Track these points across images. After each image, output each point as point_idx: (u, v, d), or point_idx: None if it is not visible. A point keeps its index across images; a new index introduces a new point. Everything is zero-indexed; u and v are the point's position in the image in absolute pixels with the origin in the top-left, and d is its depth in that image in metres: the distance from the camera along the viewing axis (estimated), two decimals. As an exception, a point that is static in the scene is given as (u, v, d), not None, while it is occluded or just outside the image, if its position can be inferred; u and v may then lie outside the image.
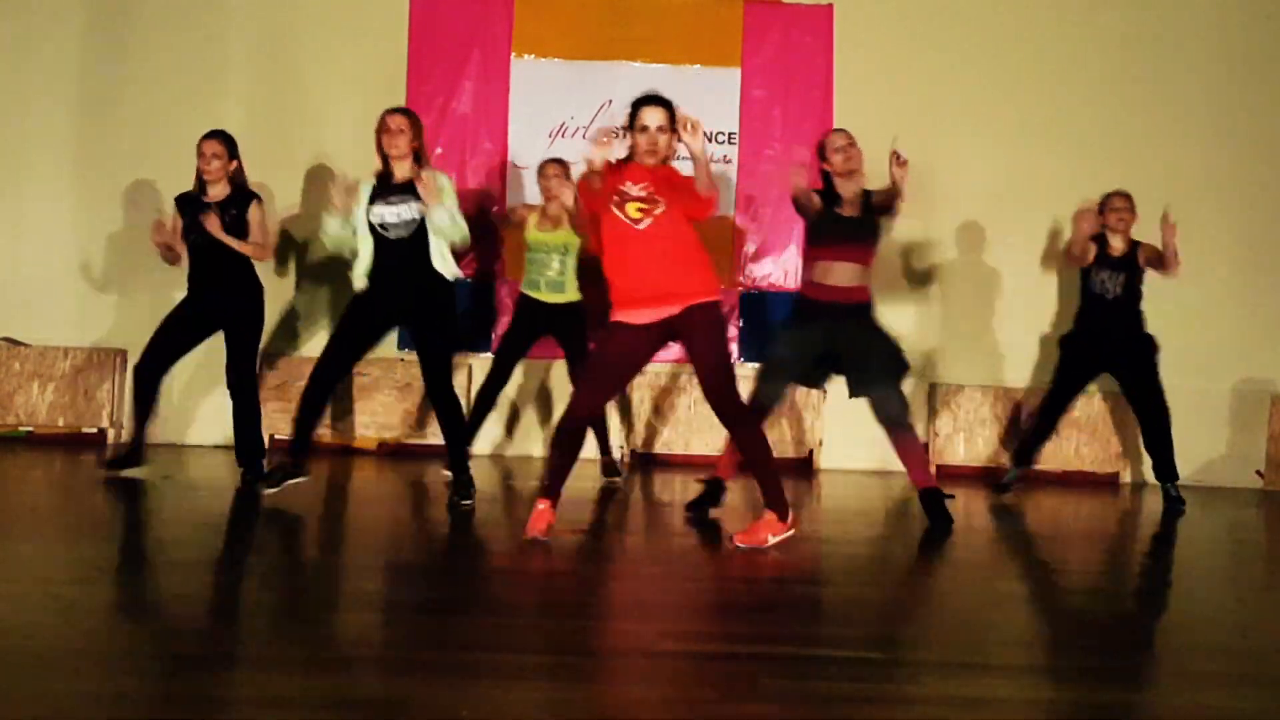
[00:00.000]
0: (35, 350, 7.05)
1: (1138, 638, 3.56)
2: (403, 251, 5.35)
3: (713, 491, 5.48)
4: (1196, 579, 4.67)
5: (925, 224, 7.50)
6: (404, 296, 5.38)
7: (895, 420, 5.42)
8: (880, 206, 5.41)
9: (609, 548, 4.72)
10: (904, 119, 7.54)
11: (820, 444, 7.48)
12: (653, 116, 4.59)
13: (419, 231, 5.34)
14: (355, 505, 5.65)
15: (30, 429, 6.99)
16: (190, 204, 5.90)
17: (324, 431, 7.22)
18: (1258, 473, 7.55)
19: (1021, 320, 7.56)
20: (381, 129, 5.41)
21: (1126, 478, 7.46)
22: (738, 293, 7.49)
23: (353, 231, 5.41)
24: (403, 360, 7.10)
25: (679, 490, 6.46)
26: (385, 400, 7.18)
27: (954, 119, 7.55)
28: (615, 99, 7.46)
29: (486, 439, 7.10)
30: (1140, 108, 7.63)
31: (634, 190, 4.57)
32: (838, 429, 7.52)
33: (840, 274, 5.38)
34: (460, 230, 5.39)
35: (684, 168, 4.65)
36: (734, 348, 7.25)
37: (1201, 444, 7.54)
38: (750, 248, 7.56)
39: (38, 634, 3.13)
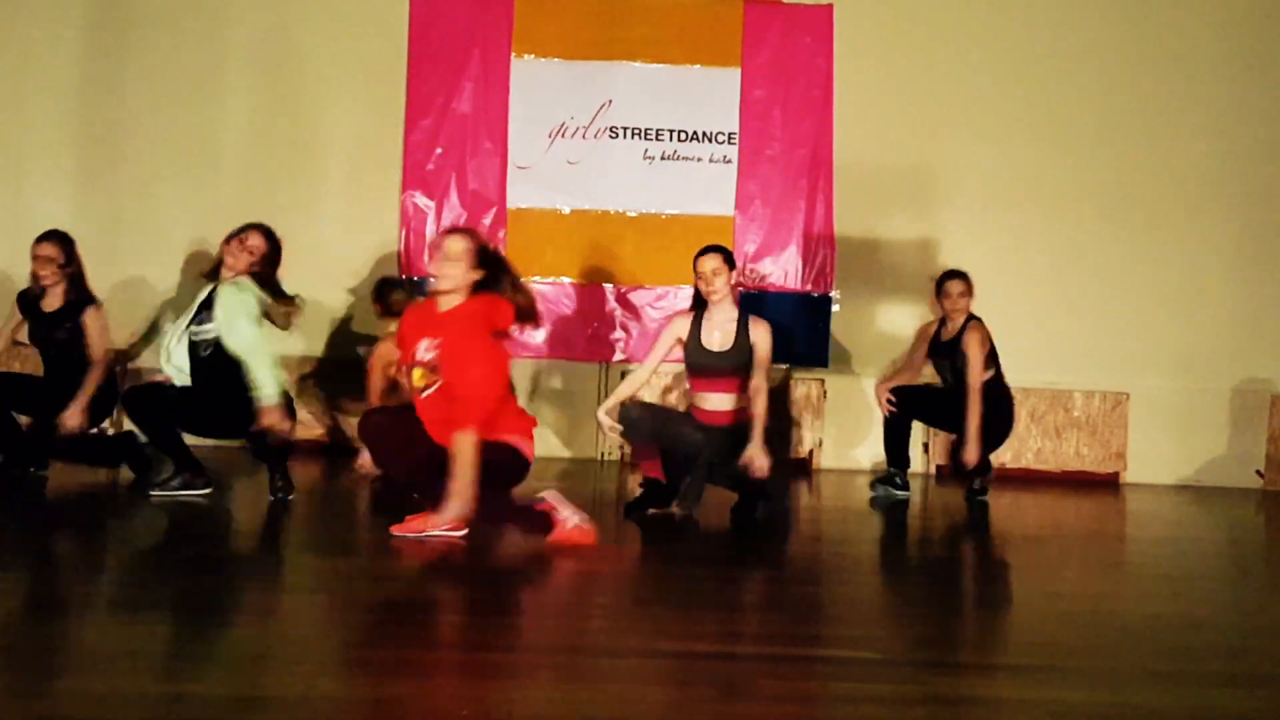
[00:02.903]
0: (35, 351, 7.01)
1: (1137, 638, 3.55)
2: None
3: (654, 492, 5.38)
4: (1196, 579, 4.67)
5: (924, 224, 7.52)
6: None
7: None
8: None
9: (608, 548, 4.71)
10: (904, 119, 7.57)
11: (820, 444, 7.48)
12: None
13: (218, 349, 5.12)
14: (355, 507, 5.65)
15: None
16: (29, 307, 5.82)
17: (322, 432, 7.24)
18: (1258, 473, 7.55)
19: (1021, 319, 7.55)
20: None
21: (1126, 478, 7.46)
22: (738, 292, 7.47)
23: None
24: (403, 360, 7.10)
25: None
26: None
27: (954, 119, 7.56)
28: (615, 99, 7.47)
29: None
30: (1140, 108, 7.64)
31: (423, 352, 4.40)
32: (838, 429, 7.53)
33: (715, 401, 5.44)
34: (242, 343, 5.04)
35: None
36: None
37: (1201, 444, 7.55)
38: (750, 248, 7.55)
39: (43, 634, 3.13)
